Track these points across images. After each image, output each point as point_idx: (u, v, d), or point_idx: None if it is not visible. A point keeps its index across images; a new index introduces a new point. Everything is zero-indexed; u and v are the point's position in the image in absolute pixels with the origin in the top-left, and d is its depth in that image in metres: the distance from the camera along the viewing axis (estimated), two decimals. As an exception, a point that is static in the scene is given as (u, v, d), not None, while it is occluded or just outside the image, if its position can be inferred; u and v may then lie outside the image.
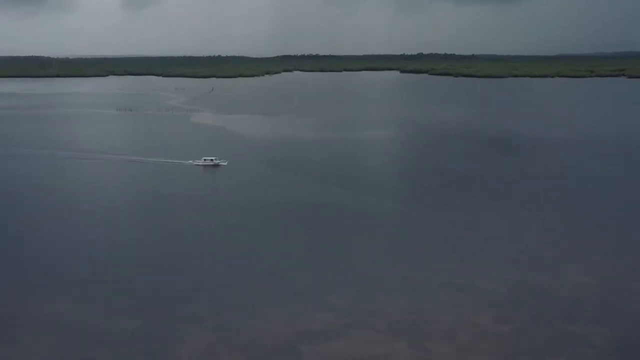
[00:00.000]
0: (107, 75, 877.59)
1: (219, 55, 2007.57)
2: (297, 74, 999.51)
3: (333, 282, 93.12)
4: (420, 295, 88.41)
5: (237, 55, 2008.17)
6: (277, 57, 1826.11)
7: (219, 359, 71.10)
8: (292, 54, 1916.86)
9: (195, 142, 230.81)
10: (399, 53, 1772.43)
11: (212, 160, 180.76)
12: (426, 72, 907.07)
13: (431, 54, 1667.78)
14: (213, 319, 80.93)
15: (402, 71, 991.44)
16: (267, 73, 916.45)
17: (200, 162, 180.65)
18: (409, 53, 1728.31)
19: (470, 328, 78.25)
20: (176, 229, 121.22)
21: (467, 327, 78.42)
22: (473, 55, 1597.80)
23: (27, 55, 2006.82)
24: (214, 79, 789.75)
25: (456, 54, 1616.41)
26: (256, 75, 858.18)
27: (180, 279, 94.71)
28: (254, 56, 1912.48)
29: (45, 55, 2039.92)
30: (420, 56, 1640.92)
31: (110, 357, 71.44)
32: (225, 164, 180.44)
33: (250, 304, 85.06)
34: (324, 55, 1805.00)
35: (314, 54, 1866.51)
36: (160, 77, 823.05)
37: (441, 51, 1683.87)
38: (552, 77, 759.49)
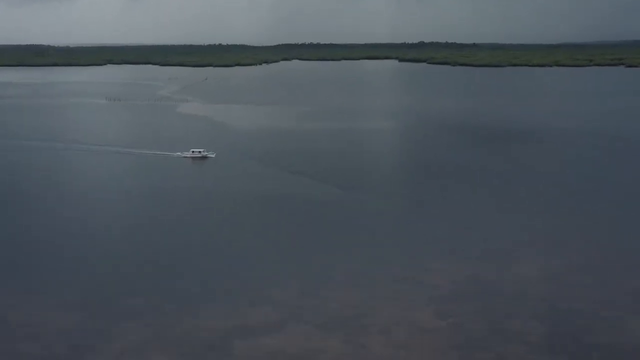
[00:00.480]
0: (104, 64, 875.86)
1: (220, 44, 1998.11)
2: (295, 62, 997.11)
3: (282, 275, 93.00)
4: (366, 290, 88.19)
5: (238, 43, 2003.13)
6: (278, 45, 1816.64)
7: (147, 354, 71.14)
8: (293, 42, 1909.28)
9: (181, 133, 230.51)
10: (400, 42, 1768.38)
11: (200, 152, 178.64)
12: (425, 61, 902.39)
13: (432, 42, 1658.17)
14: (150, 312, 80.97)
15: (401, 60, 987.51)
16: (265, 62, 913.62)
17: (188, 154, 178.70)
18: (410, 42, 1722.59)
19: (409, 323, 78.12)
20: (144, 222, 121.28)
21: (405, 323, 78.28)
22: (474, 44, 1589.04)
23: (28, 43, 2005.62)
24: (210, 68, 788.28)
25: (457, 42, 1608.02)
26: (254, 64, 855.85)
27: (132, 272, 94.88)
28: (255, 45, 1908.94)
29: (46, 43, 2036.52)
30: (421, 45, 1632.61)
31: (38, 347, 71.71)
32: (213, 156, 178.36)
33: (191, 298, 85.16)
34: (325, 44, 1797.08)
35: (315, 42, 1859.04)
36: (158, 66, 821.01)
37: (442, 40, 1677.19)
38: (551, 66, 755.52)
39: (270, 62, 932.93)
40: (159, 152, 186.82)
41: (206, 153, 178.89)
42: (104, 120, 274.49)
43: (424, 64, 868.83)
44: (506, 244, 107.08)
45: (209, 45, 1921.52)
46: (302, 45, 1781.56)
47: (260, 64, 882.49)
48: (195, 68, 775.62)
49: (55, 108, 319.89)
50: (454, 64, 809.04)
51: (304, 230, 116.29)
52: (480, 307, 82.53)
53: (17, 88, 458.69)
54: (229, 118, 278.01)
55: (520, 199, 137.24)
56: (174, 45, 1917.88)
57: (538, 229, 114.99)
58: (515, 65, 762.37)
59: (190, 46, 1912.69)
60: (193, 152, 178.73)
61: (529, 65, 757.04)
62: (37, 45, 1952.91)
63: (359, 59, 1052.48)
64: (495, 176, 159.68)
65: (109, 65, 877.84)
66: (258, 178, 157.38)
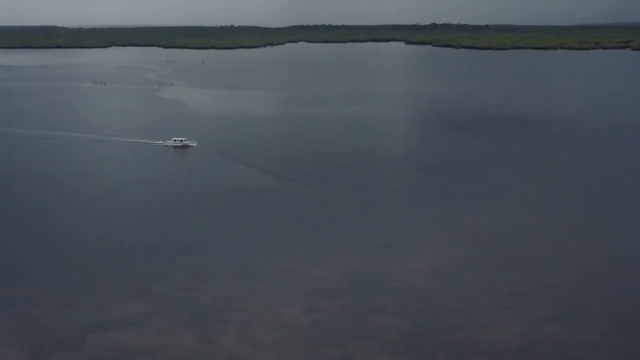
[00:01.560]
0: (108, 47, 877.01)
1: (232, 25, 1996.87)
2: (301, 45, 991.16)
3: (170, 269, 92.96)
4: (247, 283, 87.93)
5: (249, 25, 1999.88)
6: (289, 27, 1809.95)
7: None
8: (304, 24, 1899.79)
9: (157, 119, 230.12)
10: (411, 23, 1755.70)
11: (181, 140, 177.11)
12: (430, 43, 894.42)
13: (444, 24, 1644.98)
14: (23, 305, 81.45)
15: (408, 42, 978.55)
16: (270, 44, 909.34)
17: (170, 143, 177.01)
18: (422, 23, 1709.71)
19: (272, 319, 77.77)
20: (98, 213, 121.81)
21: (269, 318, 77.95)
22: (487, 25, 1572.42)
23: (40, 25, 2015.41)
24: (213, 50, 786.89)
25: (469, 24, 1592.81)
26: (257, 47, 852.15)
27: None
28: (267, 26, 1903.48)
29: (60, 25, 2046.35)
30: (432, 26, 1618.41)
31: None
32: (194, 144, 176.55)
33: (70, 289, 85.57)
34: (336, 25, 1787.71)
35: (327, 24, 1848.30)
36: (161, 49, 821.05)
37: (454, 21, 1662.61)
38: (556, 49, 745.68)
39: (275, 45, 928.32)
40: (141, 141, 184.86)
41: (188, 142, 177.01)
42: (85, 105, 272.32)
43: (429, 47, 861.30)
44: (415, 237, 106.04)
45: (220, 27, 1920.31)
46: (313, 27, 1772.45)
47: (265, 46, 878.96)
48: (198, 50, 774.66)
49: (37, 92, 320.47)
50: (458, 46, 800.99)
51: (214, 222, 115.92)
52: (352, 303, 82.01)
53: (5, 71, 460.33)
54: (208, 103, 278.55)
55: (454, 192, 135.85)
56: (185, 27, 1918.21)
57: (456, 223, 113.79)
58: (518, 48, 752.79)
59: (202, 28, 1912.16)
60: (175, 140, 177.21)
61: (534, 48, 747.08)
62: (51, 26, 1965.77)
63: (365, 41, 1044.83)
64: (442, 170, 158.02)
65: (113, 47, 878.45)
66: (231, 169, 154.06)
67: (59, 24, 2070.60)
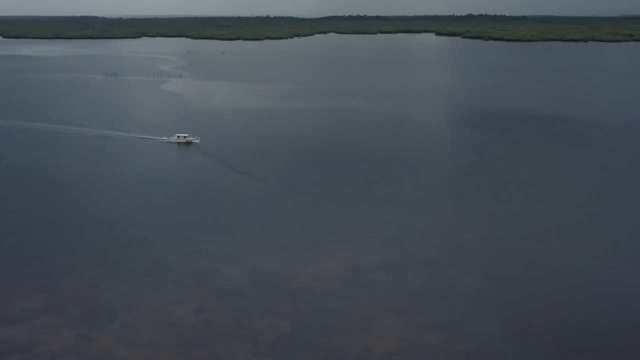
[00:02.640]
0: (138, 37, 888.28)
1: (268, 16, 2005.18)
2: (330, 36, 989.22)
3: (85, 265, 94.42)
4: (154, 280, 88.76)
5: (285, 15, 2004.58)
6: (325, 17, 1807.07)
7: None
8: (340, 14, 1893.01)
9: (156, 113, 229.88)
10: (448, 14, 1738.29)
11: (185, 137, 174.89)
12: (460, 34, 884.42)
13: (481, 14, 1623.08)
14: None
15: (438, 34, 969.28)
16: (297, 35, 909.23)
17: (174, 139, 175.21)
18: (459, 14, 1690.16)
19: (160, 317, 78.41)
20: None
21: (157, 317, 78.60)
22: (524, 16, 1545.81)
23: (82, 15, 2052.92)
24: (239, 41, 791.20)
25: (506, 15, 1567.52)
26: (284, 38, 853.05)
27: None
28: (302, 17, 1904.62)
29: (100, 15, 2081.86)
30: (468, 17, 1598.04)
31: None
32: (197, 141, 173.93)
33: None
34: (372, 16, 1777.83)
35: (362, 14, 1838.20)
36: (189, 39, 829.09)
37: (491, 12, 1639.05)
38: (586, 41, 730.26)
39: (303, 36, 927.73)
40: (147, 137, 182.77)
41: (191, 138, 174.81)
42: (87, 98, 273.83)
43: (458, 38, 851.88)
44: (342, 237, 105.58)
45: (256, 18, 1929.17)
46: (348, 18, 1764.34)
47: (292, 37, 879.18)
48: (224, 41, 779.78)
49: (48, 83, 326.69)
50: (487, 38, 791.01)
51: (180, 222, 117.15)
52: (247, 303, 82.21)
53: (27, 62, 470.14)
54: (208, 96, 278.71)
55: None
56: (220, 18, 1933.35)
57: (395, 224, 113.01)
58: (548, 40, 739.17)
59: (237, 18, 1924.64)
60: (179, 137, 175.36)
61: (563, 40, 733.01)
62: (91, 17, 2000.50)
63: (395, 33, 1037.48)
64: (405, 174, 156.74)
65: (143, 38, 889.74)
66: (233, 167, 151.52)
67: (99, 15, 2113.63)
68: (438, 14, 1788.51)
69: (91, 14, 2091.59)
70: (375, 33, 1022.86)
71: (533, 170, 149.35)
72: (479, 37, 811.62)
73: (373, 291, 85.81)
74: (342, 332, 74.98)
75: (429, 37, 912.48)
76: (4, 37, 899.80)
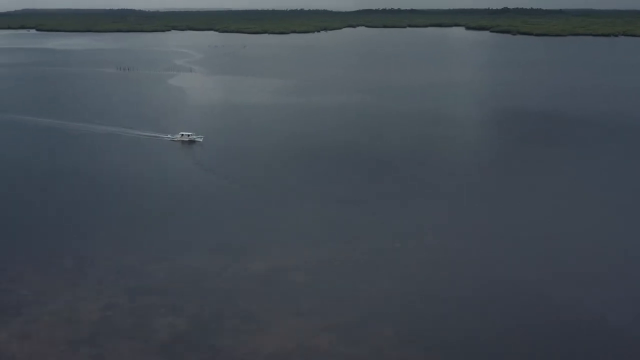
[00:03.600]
0: (168, 30, 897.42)
1: (302, 9, 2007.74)
2: (360, 30, 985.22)
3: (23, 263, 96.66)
4: (71, 276, 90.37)
5: (320, 9, 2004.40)
6: (359, 10, 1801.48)
7: None
8: (375, 7, 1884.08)
9: (167, 112, 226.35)
10: (484, 7, 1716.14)
11: (188, 135, 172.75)
12: (489, 28, 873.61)
13: (517, 8, 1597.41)
14: None
15: (468, 28, 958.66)
16: (324, 29, 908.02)
17: (177, 138, 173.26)
18: (494, 7, 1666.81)
19: (63, 314, 79.69)
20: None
21: (61, 313, 79.93)
22: (561, 10, 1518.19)
23: (120, 8, 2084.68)
24: (266, 35, 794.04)
25: (542, 8, 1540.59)
26: (310, 32, 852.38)
27: None
28: (337, 10, 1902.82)
29: (137, 8, 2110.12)
30: (504, 11, 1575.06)
31: None
32: (200, 140, 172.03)
33: None
34: (406, 10, 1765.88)
35: (397, 8, 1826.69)
36: (217, 33, 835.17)
37: (528, 5, 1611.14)
38: (616, 35, 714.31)
39: (331, 30, 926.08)
40: (151, 135, 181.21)
41: (194, 137, 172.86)
42: (97, 93, 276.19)
43: (486, 32, 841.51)
44: (280, 238, 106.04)
45: (291, 11, 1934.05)
46: (382, 11, 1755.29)
47: (319, 31, 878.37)
48: (251, 35, 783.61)
49: (56, 77, 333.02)
50: (515, 32, 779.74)
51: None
52: (156, 302, 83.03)
53: (47, 54, 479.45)
54: (214, 91, 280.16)
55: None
56: (253, 11, 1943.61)
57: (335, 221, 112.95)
58: (577, 34, 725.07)
59: (273, 11, 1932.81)
60: (182, 135, 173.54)
61: (593, 35, 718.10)
62: (128, 9, 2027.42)
63: (425, 27, 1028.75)
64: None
65: (173, 31, 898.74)
66: (234, 169, 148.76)
67: (138, 8, 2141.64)
68: (474, 7, 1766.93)
69: (130, 7, 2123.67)
70: (404, 27, 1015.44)
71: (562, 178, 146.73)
72: (507, 32, 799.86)
73: (286, 292, 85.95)
74: (237, 333, 75.39)
75: (457, 31, 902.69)
76: (38, 30, 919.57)
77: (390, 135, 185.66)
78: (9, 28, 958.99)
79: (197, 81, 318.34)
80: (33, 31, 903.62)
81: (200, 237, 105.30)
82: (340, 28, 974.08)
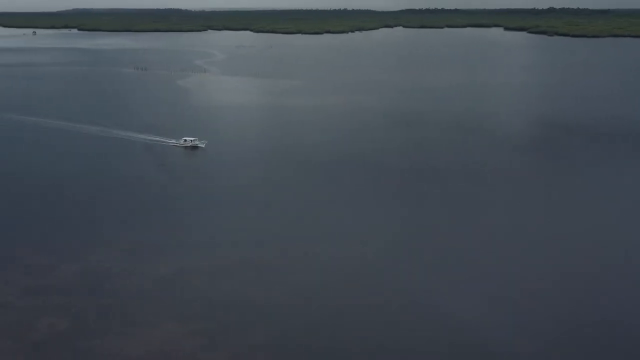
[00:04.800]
0: (204, 30, 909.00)
1: (345, 9, 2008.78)
2: (397, 30, 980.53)
3: None
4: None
5: (363, 9, 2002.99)
6: (401, 10, 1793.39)
7: None
8: (418, 7, 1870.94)
9: (172, 114, 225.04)
10: (530, 7, 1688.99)
11: (191, 140, 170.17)
12: (527, 29, 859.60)
13: (562, 8, 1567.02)
14: None
15: (506, 28, 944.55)
16: (359, 29, 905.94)
17: (181, 143, 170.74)
18: (540, 7, 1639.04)
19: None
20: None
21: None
22: (608, 10, 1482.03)
23: (170, 8, 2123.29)
24: (299, 34, 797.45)
25: (589, 8, 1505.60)
26: (344, 32, 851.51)
27: None
28: (381, 9, 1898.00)
29: (184, 8, 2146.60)
30: (549, 11, 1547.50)
31: None
32: (203, 145, 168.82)
33: None
34: (450, 9, 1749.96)
35: (440, 7, 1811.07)
36: (251, 33, 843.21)
37: (574, 5, 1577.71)
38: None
39: (367, 30, 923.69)
40: (156, 139, 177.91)
41: (197, 142, 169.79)
42: (105, 93, 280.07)
43: (523, 33, 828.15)
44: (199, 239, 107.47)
45: (334, 11, 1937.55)
46: (426, 11, 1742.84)
47: (353, 31, 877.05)
48: (285, 35, 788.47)
49: (71, 76, 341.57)
50: (552, 33, 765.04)
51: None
52: (49, 301, 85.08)
53: (74, 53, 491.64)
54: (221, 93, 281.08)
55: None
56: (300, 10, 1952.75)
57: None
58: (616, 35, 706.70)
59: (316, 11, 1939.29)
60: (185, 140, 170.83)
61: (632, 36, 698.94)
62: (174, 9, 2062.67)
63: (464, 27, 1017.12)
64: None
65: (209, 31, 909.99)
66: (234, 177, 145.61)
67: (184, 8, 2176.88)
68: (521, 7, 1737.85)
69: (176, 7, 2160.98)
70: (442, 27, 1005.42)
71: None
72: (544, 33, 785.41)
73: (177, 296, 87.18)
74: (107, 334, 76.61)
75: (494, 32, 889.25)
76: (80, 29, 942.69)
77: (420, 142, 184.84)
78: (52, 28, 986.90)
79: (206, 82, 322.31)
80: (75, 31, 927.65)
81: (129, 238, 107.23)
82: (376, 28, 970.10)
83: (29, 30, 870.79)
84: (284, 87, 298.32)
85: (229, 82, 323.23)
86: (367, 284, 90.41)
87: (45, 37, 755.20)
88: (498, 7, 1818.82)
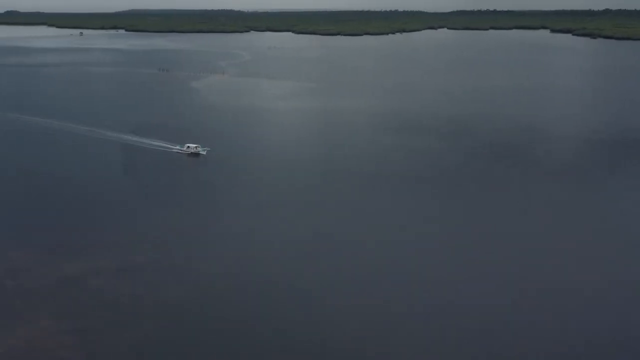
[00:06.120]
0: (246, 31, 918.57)
1: (396, 10, 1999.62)
2: (442, 31, 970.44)
3: None
4: None
5: (414, 10, 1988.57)
6: (452, 12, 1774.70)
7: None
8: (470, 9, 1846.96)
9: (174, 116, 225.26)
10: (585, 8, 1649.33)
11: (195, 147, 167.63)
12: (573, 32, 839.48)
13: (619, 9, 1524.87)
14: None
15: (553, 30, 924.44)
16: (400, 31, 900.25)
17: (184, 149, 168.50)
18: (596, 9, 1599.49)
19: None
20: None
21: None
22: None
23: (224, 9, 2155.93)
24: (339, 36, 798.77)
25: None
26: (384, 34, 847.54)
27: None
28: (434, 10, 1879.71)
29: (237, 9, 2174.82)
30: (605, 12, 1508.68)
31: None
32: (204, 152, 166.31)
33: None
34: (503, 11, 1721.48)
35: (492, 9, 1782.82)
36: (292, 34, 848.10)
37: (631, 7, 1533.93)
38: None
39: (409, 31, 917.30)
40: (161, 145, 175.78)
41: (199, 149, 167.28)
42: (129, 96, 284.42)
43: (568, 35, 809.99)
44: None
45: (385, 11, 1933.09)
46: (478, 12, 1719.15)
47: (394, 33, 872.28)
48: (324, 36, 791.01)
49: (90, 77, 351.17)
50: (596, 36, 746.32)
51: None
52: None
53: (103, 54, 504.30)
54: (230, 95, 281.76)
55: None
56: (351, 12, 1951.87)
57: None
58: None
59: (368, 12, 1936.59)
60: (188, 147, 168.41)
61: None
62: (227, 10, 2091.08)
63: (509, 29, 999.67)
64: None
65: (251, 32, 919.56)
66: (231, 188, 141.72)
67: (236, 9, 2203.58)
68: (575, 9, 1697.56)
69: (229, 8, 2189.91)
70: (486, 29, 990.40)
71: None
72: (590, 35, 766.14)
73: (69, 294, 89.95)
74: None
75: (539, 34, 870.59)
76: (127, 30, 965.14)
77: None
78: (102, 29, 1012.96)
79: (219, 84, 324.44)
80: (122, 31, 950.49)
81: (57, 239, 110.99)
82: (419, 30, 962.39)
83: (78, 31, 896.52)
84: (295, 89, 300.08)
85: (241, 83, 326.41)
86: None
87: (89, 38, 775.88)
88: (554, 9, 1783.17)
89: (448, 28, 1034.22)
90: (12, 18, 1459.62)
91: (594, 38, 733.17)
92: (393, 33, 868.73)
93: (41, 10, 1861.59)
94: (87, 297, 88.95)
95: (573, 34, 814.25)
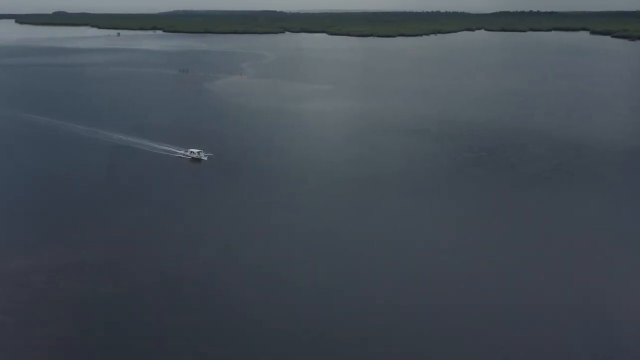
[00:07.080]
0: (281, 33, 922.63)
1: (438, 11, 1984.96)
2: (479, 33, 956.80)
3: None
4: None
5: (456, 11, 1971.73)
6: (495, 13, 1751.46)
7: None
8: (513, 10, 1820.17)
9: (178, 118, 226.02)
10: (633, 10, 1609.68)
11: (197, 152, 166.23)
12: (611, 33, 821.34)
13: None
14: None
15: (592, 32, 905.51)
16: (437, 32, 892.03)
17: (187, 154, 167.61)
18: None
19: None
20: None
21: None
22: None
23: (264, 10, 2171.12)
24: (371, 37, 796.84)
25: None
26: (419, 35, 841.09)
27: None
28: (475, 12, 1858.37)
29: (279, 10, 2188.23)
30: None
31: None
32: (205, 158, 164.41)
33: None
34: (546, 12, 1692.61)
35: (535, 10, 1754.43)
36: (326, 35, 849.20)
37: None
38: None
39: (445, 33, 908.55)
40: (167, 149, 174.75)
41: (201, 155, 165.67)
42: (145, 97, 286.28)
43: (607, 38, 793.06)
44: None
45: (426, 12, 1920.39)
46: (520, 14, 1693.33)
47: (428, 34, 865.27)
48: (357, 38, 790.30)
49: (110, 78, 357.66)
50: (634, 38, 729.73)
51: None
52: None
53: (131, 54, 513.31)
54: (244, 97, 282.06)
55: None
56: (391, 13, 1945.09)
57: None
58: None
59: (409, 13, 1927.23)
60: (191, 152, 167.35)
61: None
62: (270, 11, 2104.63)
63: (548, 31, 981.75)
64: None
65: (286, 33, 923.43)
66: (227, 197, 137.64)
67: (278, 9, 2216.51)
68: (626, 10, 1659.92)
69: (272, 9, 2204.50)
70: (525, 31, 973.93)
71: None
72: (628, 37, 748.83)
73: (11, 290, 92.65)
74: None
75: (576, 36, 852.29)
76: (164, 31, 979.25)
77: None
78: (141, 29, 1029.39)
79: (235, 86, 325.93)
80: (160, 32, 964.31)
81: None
82: (456, 31, 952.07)
83: (115, 32, 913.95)
84: (310, 91, 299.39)
85: (255, 85, 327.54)
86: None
87: (125, 39, 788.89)
88: (600, 10, 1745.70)
89: (485, 29, 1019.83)
90: (60, 19, 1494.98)
91: (633, 40, 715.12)
92: (427, 34, 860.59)
93: (87, 11, 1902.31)
94: (18, 292, 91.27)
95: (612, 36, 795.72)
